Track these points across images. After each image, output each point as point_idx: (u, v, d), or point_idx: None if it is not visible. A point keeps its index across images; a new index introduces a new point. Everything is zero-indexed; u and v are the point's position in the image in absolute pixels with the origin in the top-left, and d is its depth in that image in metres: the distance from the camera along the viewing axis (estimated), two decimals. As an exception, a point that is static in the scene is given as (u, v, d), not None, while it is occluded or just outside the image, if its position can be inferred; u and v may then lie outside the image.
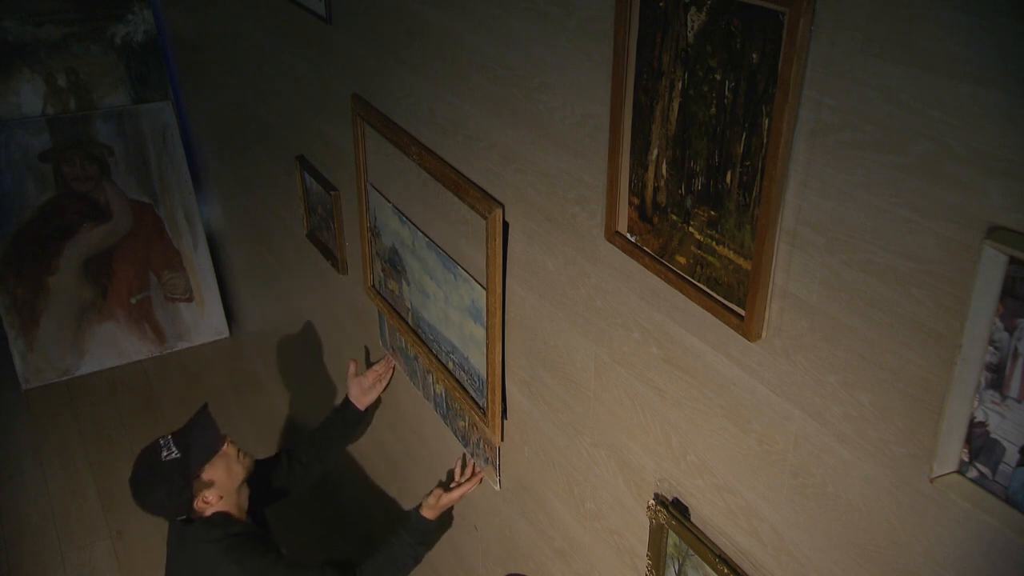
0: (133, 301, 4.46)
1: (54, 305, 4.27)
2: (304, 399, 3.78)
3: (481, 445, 2.14)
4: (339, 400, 3.22)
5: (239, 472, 2.21)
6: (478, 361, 1.96)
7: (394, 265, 2.32)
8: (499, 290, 1.75)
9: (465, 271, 1.92)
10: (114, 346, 4.45)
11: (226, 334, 4.71)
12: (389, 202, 2.23)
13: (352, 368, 2.56)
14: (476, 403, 1.99)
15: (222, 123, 3.81)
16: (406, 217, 2.16)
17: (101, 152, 4.23)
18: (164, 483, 2.11)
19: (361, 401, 2.54)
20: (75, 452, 3.93)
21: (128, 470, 2.19)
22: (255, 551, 2.15)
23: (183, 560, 2.21)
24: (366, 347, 2.80)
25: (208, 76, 3.81)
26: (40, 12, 4.05)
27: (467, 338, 1.99)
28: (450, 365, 2.15)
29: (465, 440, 2.23)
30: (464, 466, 2.25)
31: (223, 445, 2.19)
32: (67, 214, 4.22)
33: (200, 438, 2.17)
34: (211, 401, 4.21)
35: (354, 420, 2.57)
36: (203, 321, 4.64)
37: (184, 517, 2.19)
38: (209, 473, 2.14)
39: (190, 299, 4.58)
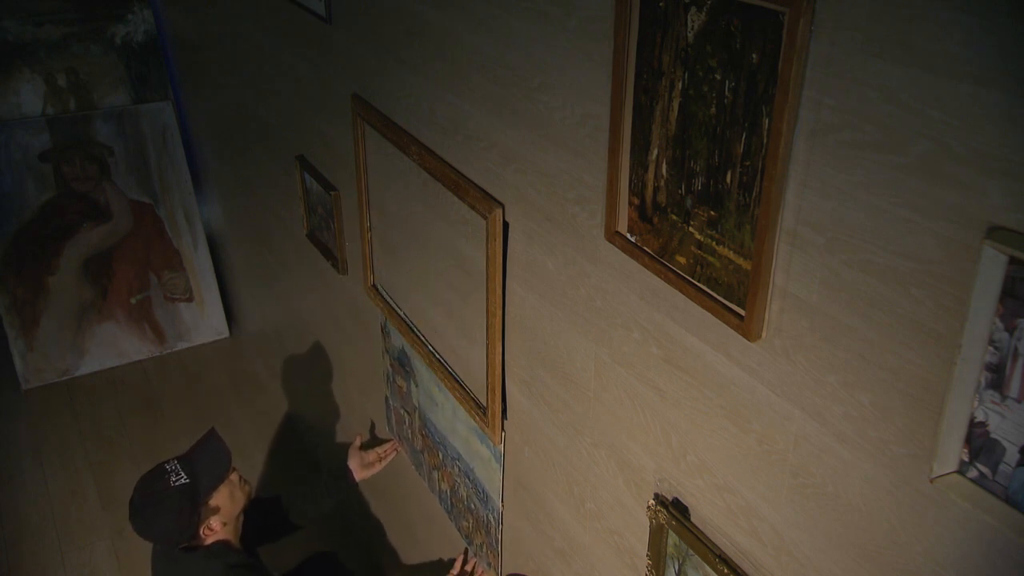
0: (133, 301, 4.46)
1: (54, 305, 4.27)
2: (304, 399, 3.78)
3: (484, 549, 2.16)
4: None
5: (241, 499, 2.20)
6: (483, 474, 2.02)
7: (403, 364, 2.36)
8: (499, 290, 1.75)
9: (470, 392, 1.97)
10: (114, 346, 4.45)
11: (226, 334, 4.71)
12: (400, 310, 2.26)
13: (357, 441, 2.60)
14: (476, 403, 1.99)
15: (222, 123, 3.81)
16: (416, 328, 2.18)
17: (101, 152, 4.23)
18: (172, 510, 2.06)
19: (359, 473, 2.55)
20: (75, 452, 3.93)
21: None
22: None
23: None
24: (372, 421, 2.86)
25: (208, 76, 3.81)
26: (40, 12, 4.05)
27: (473, 454, 2.05)
28: (455, 471, 2.18)
29: (469, 540, 2.26)
30: (465, 562, 2.28)
31: (231, 470, 2.17)
32: (67, 214, 4.22)
33: (209, 462, 2.14)
34: (211, 401, 4.25)
35: (347, 487, 2.58)
36: (203, 321, 4.64)
37: (184, 545, 2.14)
38: (216, 499, 2.12)
39: (190, 299, 4.58)
